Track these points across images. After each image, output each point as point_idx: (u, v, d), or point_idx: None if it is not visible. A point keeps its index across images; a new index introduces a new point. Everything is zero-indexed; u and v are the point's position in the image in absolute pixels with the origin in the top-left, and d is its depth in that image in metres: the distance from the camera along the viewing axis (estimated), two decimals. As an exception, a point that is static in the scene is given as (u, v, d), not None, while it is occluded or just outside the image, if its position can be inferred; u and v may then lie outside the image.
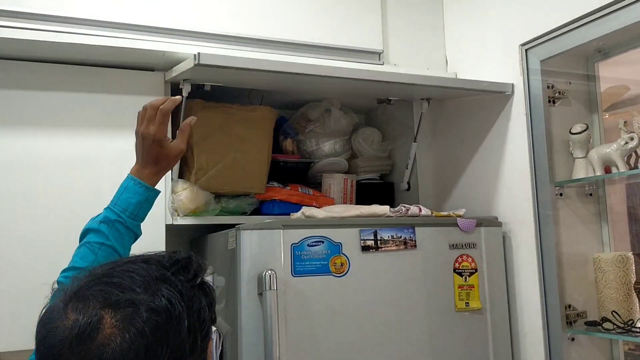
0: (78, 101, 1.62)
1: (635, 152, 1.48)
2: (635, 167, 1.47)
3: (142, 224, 1.27)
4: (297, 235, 1.45)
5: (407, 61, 2.01)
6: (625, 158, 1.50)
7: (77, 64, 1.65)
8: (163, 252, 0.88)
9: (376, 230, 1.53)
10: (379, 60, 1.96)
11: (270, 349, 1.33)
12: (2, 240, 1.48)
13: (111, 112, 1.64)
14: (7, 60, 1.56)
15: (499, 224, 1.70)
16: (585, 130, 1.61)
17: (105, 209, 1.25)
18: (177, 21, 1.69)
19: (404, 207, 1.63)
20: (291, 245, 1.44)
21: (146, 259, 0.83)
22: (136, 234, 1.26)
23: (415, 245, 1.56)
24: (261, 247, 1.43)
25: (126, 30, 1.64)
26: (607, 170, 1.55)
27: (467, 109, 1.95)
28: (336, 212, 1.57)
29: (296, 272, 1.44)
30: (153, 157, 1.26)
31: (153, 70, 1.73)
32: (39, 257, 1.50)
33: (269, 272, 1.38)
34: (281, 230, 1.44)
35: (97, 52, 1.58)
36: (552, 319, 1.59)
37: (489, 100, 1.83)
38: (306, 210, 1.57)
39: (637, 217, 1.74)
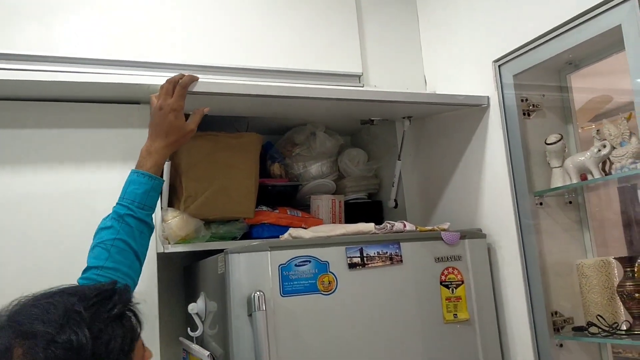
0: (67, 137, 1.67)
1: (609, 159, 1.53)
2: (609, 173, 1.51)
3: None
4: (284, 256, 1.49)
5: (386, 82, 2.08)
6: (600, 165, 1.54)
7: (64, 100, 1.70)
8: (99, 284, 0.95)
9: (362, 247, 1.56)
10: (359, 82, 2.02)
11: (263, 368, 1.36)
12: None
13: (100, 146, 1.69)
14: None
15: (483, 236, 1.74)
16: (559, 140, 1.66)
17: (114, 206, 1.30)
18: (161, 55, 1.75)
19: (389, 223, 1.67)
20: (279, 266, 1.48)
21: (74, 292, 0.90)
22: (149, 225, 1.30)
23: (401, 260, 1.60)
24: (249, 270, 1.46)
25: (111, 66, 1.71)
26: (583, 177, 1.59)
27: (446, 125, 2.00)
28: (322, 231, 1.61)
29: (285, 292, 1.47)
30: (166, 128, 1.34)
31: (139, 104, 1.79)
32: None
33: (258, 293, 1.41)
34: (268, 252, 1.48)
35: (83, 88, 1.63)
36: (539, 327, 1.62)
37: (466, 115, 1.88)
38: (293, 232, 1.61)
39: (618, 222, 1.78)
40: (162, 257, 1.70)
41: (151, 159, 1.33)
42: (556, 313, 1.66)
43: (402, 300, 1.58)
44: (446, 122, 2.01)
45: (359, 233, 1.61)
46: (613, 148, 1.50)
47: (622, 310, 1.56)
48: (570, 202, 1.76)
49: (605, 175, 1.54)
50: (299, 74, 1.95)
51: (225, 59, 1.85)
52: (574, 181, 1.59)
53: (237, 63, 1.85)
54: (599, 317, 1.55)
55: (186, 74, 1.40)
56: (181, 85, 1.36)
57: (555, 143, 1.66)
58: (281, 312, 1.46)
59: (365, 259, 1.56)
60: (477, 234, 1.73)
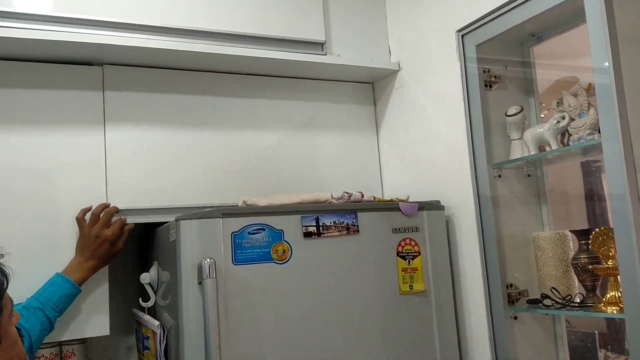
0: (17, 97, 1.61)
1: (567, 131, 1.52)
2: (568, 145, 1.51)
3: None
4: (238, 223, 1.45)
5: (350, 51, 2.03)
6: (559, 137, 1.53)
7: (15, 59, 1.64)
8: None
9: (318, 217, 1.53)
10: (322, 50, 1.97)
11: (210, 338, 1.32)
12: None
13: (51, 108, 1.65)
14: None
15: (442, 208, 1.73)
16: (520, 112, 1.65)
17: (28, 298, 1.47)
18: (118, 14, 1.69)
19: (347, 193, 1.64)
20: (231, 234, 1.44)
21: None
22: (52, 325, 1.49)
23: (357, 230, 1.58)
24: (201, 237, 1.42)
25: (62, 24, 1.63)
26: (542, 149, 1.58)
27: (410, 98, 1.97)
28: (278, 200, 1.57)
29: (237, 260, 1.43)
30: (100, 253, 1.57)
31: (91, 65, 1.73)
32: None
33: (208, 260, 1.37)
34: (221, 219, 1.43)
35: (33, 46, 1.57)
36: (494, 299, 1.62)
37: (428, 84, 1.86)
38: (248, 199, 1.57)
39: (576, 196, 1.78)
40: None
41: (80, 273, 1.55)
42: (511, 285, 1.66)
43: (357, 271, 1.56)
44: (409, 93, 1.98)
45: (316, 202, 1.58)
46: (572, 120, 1.49)
47: (577, 283, 1.57)
48: (529, 175, 1.75)
49: (563, 147, 1.53)
50: (261, 40, 1.90)
51: (185, 21, 1.78)
52: (532, 152, 1.58)
53: (195, 26, 1.79)
54: (553, 290, 1.55)
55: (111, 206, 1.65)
56: (108, 213, 1.63)
57: (515, 115, 1.65)
58: (233, 281, 1.42)
59: (321, 228, 1.53)
60: (435, 206, 1.72)
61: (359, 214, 1.59)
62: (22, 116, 1.64)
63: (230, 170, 1.88)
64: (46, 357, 1.74)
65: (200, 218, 1.42)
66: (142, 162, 1.77)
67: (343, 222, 1.56)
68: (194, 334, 1.36)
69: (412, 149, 1.95)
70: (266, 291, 1.45)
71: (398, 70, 2.04)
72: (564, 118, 1.51)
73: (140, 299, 1.67)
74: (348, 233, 1.56)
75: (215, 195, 1.84)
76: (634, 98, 1.28)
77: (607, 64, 1.28)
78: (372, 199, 1.65)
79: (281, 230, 1.49)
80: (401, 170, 2.02)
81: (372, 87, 2.19)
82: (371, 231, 1.60)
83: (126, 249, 1.73)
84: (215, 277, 1.37)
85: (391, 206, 1.64)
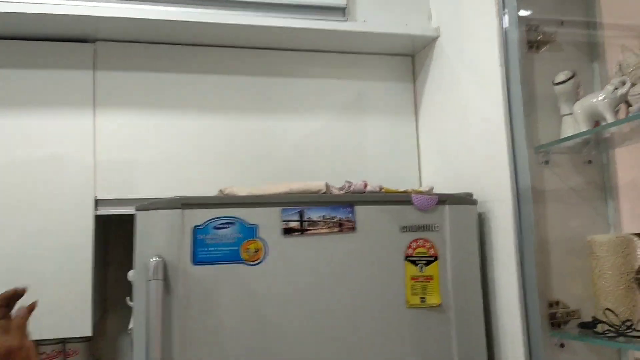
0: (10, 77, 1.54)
1: (627, 102, 1.12)
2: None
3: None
4: (202, 215, 1.23)
5: (379, 16, 1.73)
6: (619, 107, 1.14)
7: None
8: None
9: (303, 210, 1.27)
10: (343, 16, 1.69)
11: (151, 348, 1.11)
12: None
13: (45, 87, 1.55)
14: None
15: (473, 202, 1.39)
16: (570, 78, 1.27)
17: None
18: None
19: (348, 182, 1.35)
20: (193, 228, 1.22)
21: None
22: None
23: (354, 228, 1.29)
24: (158, 231, 1.21)
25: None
26: (598, 125, 1.20)
27: (448, 70, 1.63)
28: (263, 190, 1.32)
29: (198, 259, 1.21)
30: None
31: (86, 42, 1.60)
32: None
33: (155, 259, 1.16)
34: (180, 210, 1.22)
35: (18, 21, 1.48)
36: (532, 320, 1.26)
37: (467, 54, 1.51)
38: (226, 188, 1.34)
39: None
40: (113, 220, 1.53)
41: None
42: (557, 304, 1.28)
43: (351, 278, 1.28)
44: (445, 62, 1.64)
45: (306, 192, 1.31)
46: (633, 85, 1.09)
47: (642, 304, 1.17)
48: (590, 162, 1.36)
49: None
50: (272, 6, 1.66)
51: None
52: (583, 129, 1.20)
53: None
54: (606, 312, 1.16)
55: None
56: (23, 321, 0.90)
57: (564, 82, 1.27)
58: (192, 283, 1.20)
59: (305, 223, 1.26)
60: (463, 199, 1.38)
61: (357, 207, 1.30)
62: (6, 97, 1.54)
63: (238, 158, 1.67)
64: (48, 354, 1.65)
65: (157, 209, 1.22)
66: (137, 149, 1.61)
67: (335, 217, 1.28)
68: (141, 342, 1.16)
69: (450, 132, 1.61)
70: (232, 298, 1.22)
71: (437, 37, 1.70)
72: (623, 83, 1.12)
73: (127, 298, 1.51)
74: (341, 230, 1.28)
75: (217, 184, 1.63)
76: None
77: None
78: (378, 189, 1.35)
79: (255, 225, 1.24)
80: (440, 159, 1.68)
81: (412, 60, 1.87)
82: (372, 229, 1.30)
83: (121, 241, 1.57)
84: (163, 279, 1.15)
85: (401, 198, 1.33)
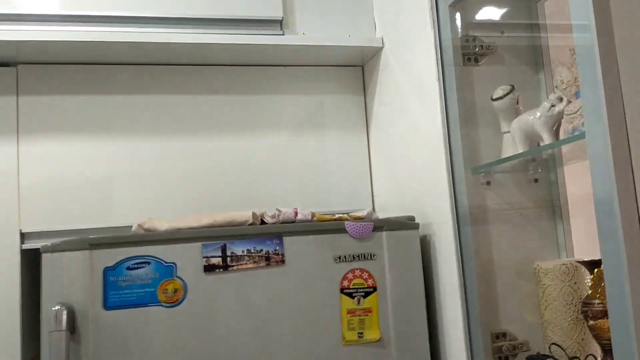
0: None
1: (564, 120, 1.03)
2: (571, 134, 1.02)
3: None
4: (112, 256, 1.13)
5: (322, 28, 1.64)
6: (555, 127, 1.05)
7: None
8: None
9: (225, 244, 1.17)
10: (280, 29, 1.60)
11: (54, 409, 1.02)
12: None
13: None
14: None
15: (414, 226, 1.29)
16: (508, 93, 1.18)
17: None
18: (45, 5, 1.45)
19: (278, 210, 1.26)
20: (104, 270, 1.12)
21: None
22: None
23: (283, 261, 1.20)
24: (65, 273, 1.12)
25: None
26: (538, 145, 1.11)
27: (393, 82, 1.54)
28: (184, 222, 1.23)
29: (110, 304, 1.11)
30: None
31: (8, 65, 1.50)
32: None
33: (57, 307, 1.06)
34: (88, 252, 1.12)
35: None
36: (476, 353, 1.17)
37: (394, 64, 1.42)
38: (145, 222, 1.24)
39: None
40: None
41: None
42: (504, 335, 1.19)
43: (281, 315, 1.18)
44: (390, 74, 1.55)
45: (231, 224, 1.22)
46: (569, 102, 1.00)
47: (591, 337, 1.08)
48: (537, 181, 1.27)
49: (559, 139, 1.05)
50: (205, 21, 1.57)
51: (129, 8, 1.51)
52: (520, 150, 1.11)
53: (143, 12, 1.51)
54: (551, 347, 1.07)
55: None
56: None
57: (502, 98, 1.18)
58: (104, 332, 1.10)
59: (229, 259, 1.17)
60: (402, 224, 1.28)
61: (285, 238, 1.20)
62: None
63: (175, 183, 1.58)
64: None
65: (62, 250, 1.12)
66: (64, 176, 1.51)
67: (261, 250, 1.19)
68: (46, 400, 1.06)
69: (396, 149, 1.52)
70: (150, 343, 1.12)
71: (382, 48, 1.61)
72: (561, 100, 1.03)
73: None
74: (268, 264, 1.19)
75: (152, 212, 1.54)
76: (630, 67, 0.79)
77: (587, 21, 0.80)
78: (310, 216, 1.26)
79: (173, 263, 1.15)
80: (389, 178, 1.59)
81: (362, 70, 1.78)
82: (303, 261, 1.21)
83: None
84: (66, 330, 1.05)
85: (333, 227, 1.24)
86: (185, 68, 1.63)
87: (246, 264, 1.17)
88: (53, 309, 1.06)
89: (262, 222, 1.27)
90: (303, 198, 1.65)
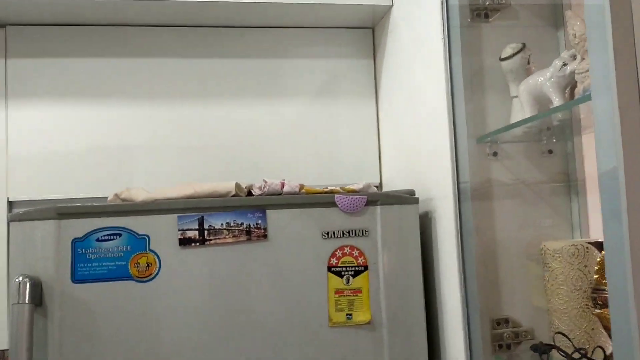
0: None
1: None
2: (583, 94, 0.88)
3: None
4: (82, 226, 1.06)
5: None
6: (567, 88, 0.92)
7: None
8: None
9: (203, 216, 1.09)
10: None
11: (14, 385, 0.96)
12: None
13: None
14: None
15: (414, 201, 1.18)
16: (518, 52, 1.04)
17: None
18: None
19: (265, 181, 1.17)
20: (72, 241, 1.05)
21: None
22: None
23: (265, 236, 1.11)
24: (32, 245, 1.05)
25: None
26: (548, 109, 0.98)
27: (400, 44, 1.42)
28: (165, 193, 1.15)
29: (78, 277, 1.05)
30: None
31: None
32: None
33: (21, 279, 1.00)
34: (56, 221, 1.05)
35: None
36: (474, 341, 1.06)
37: (415, 24, 1.30)
38: (122, 192, 1.17)
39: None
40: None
41: None
42: (507, 322, 1.08)
43: (262, 294, 1.10)
44: (398, 35, 1.43)
45: (212, 195, 1.13)
46: (582, 60, 0.87)
47: (601, 327, 0.96)
48: (551, 152, 1.14)
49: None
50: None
51: None
52: (528, 115, 0.98)
53: None
54: (557, 336, 0.96)
55: None
56: None
57: (511, 57, 1.04)
58: (71, 307, 1.04)
59: (206, 232, 1.09)
60: (399, 199, 1.17)
61: (268, 212, 1.11)
62: None
63: (170, 150, 1.51)
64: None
65: (30, 219, 1.06)
66: (54, 143, 1.46)
67: (242, 223, 1.10)
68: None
69: (402, 118, 1.41)
70: (120, 319, 1.05)
71: (391, 7, 1.48)
72: (574, 58, 0.89)
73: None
74: (249, 239, 1.10)
75: (146, 181, 1.47)
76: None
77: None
78: (297, 189, 1.16)
79: (146, 235, 1.07)
80: (396, 149, 1.48)
81: (372, 33, 1.65)
82: (288, 236, 1.11)
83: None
84: (29, 303, 0.99)
85: (322, 200, 1.14)
86: (188, 30, 1.54)
87: (225, 238, 1.09)
88: (16, 280, 0.99)
89: (250, 195, 1.18)
90: (311, 169, 1.56)
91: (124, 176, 1.47)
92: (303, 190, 1.16)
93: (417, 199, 1.19)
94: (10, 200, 1.43)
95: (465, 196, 1.08)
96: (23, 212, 1.06)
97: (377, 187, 1.48)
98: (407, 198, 1.18)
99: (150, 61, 1.52)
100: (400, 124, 1.42)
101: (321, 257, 1.12)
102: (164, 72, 1.53)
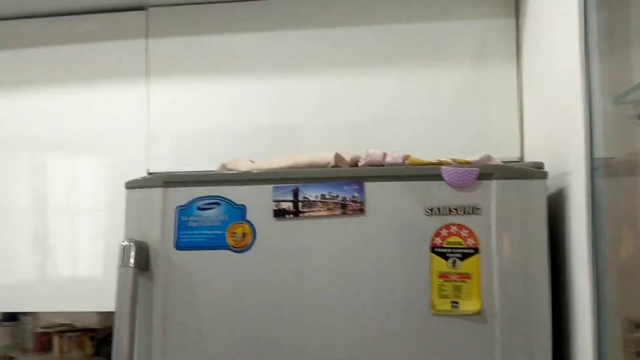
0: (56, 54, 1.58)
1: None
2: None
3: None
4: (185, 195, 1.09)
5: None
6: None
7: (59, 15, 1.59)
8: None
9: (297, 188, 1.05)
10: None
11: (118, 343, 1.02)
12: None
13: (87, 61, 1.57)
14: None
15: (540, 176, 1.01)
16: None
17: None
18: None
19: (371, 152, 1.09)
20: (177, 208, 1.09)
21: None
22: None
23: (362, 210, 1.03)
24: (140, 211, 1.11)
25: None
26: None
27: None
28: (267, 164, 1.13)
29: (181, 244, 1.08)
30: None
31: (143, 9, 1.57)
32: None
33: (126, 243, 1.05)
34: (162, 189, 1.09)
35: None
36: (604, 345, 0.88)
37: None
38: (229, 162, 1.17)
39: None
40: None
41: None
42: (650, 326, 0.87)
43: (357, 273, 1.02)
44: None
45: (311, 166, 1.09)
46: None
47: None
48: None
49: None
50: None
51: None
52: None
53: None
54: None
55: None
56: None
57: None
58: (175, 271, 1.07)
59: (300, 204, 1.04)
60: (521, 172, 1.01)
61: (367, 184, 1.03)
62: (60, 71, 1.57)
63: (317, 125, 1.49)
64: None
65: (140, 187, 1.11)
66: (193, 118, 1.53)
67: (337, 196, 1.04)
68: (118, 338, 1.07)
69: (541, 82, 1.22)
70: (218, 289, 1.06)
71: (533, -47, 1.29)
72: None
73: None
74: (345, 213, 1.03)
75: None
76: None
77: None
78: (400, 159, 1.06)
79: (242, 205, 1.06)
80: (537, 119, 1.29)
81: (514, -13, 1.46)
82: (386, 211, 1.02)
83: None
84: (133, 266, 1.04)
85: (427, 173, 1.03)
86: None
87: (319, 210, 1.03)
88: (122, 243, 1.05)
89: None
90: (446, 143, 1.44)
91: (260, 151, 1.48)
92: (407, 161, 1.05)
93: (545, 172, 1.01)
94: (150, 172, 1.52)
95: (600, 169, 0.88)
96: (135, 180, 1.12)
97: (516, 162, 1.31)
98: (530, 172, 1.01)
99: (292, 34, 1.50)
100: (539, 89, 1.22)
101: (424, 236, 1.01)
102: (307, 44, 1.50)
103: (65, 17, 1.58)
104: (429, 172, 1.02)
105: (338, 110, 1.46)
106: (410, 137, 1.44)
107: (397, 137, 1.44)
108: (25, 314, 1.82)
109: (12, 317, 1.82)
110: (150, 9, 1.56)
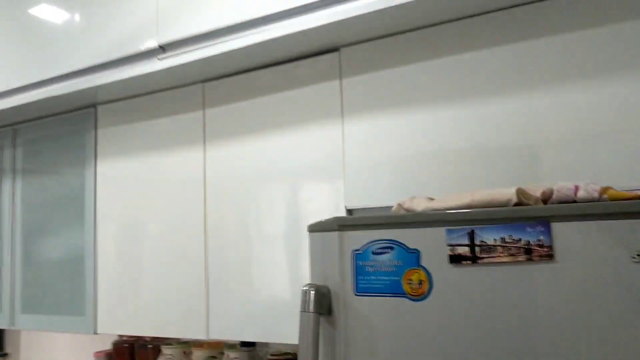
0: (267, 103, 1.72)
1: None
2: None
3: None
4: (360, 238, 1.07)
5: None
6: None
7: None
8: None
9: (473, 230, 0.95)
10: None
11: (300, 388, 1.04)
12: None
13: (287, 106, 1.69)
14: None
15: None
16: None
17: None
18: None
19: (560, 185, 0.94)
20: (352, 253, 1.08)
21: None
22: None
23: (550, 255, 0.89)
24: (319, 254, 1.13)
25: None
26: None
27: None
28: (443, 202, 1.06)
29: (360, 289, 1.07)
30: None
31: (337, 50, 1.62)
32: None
33: (307, 287, 1.08)
34: (336, 233, 1.10)
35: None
36: None
37: None
38: (405, 201, 1.12)
39: None
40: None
41: None
42: None
43: (548, 332, 0.88)
44: None
45: (489, 205, 0.98)
46: None
47: None
48: None
49: None
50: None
51: None
52: None
53: None
54: None
55: None
56: None
57: None
58: (353, 317, 1.06)
59: (477, 249, 0.95)
60: None
61: (554, 224, 0.89)
62: (261, 121, 1.70)
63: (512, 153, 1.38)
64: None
65: (316, 231, 1.13)
66: (385, 152, 1.53)
67: (519, 239, 0.91)
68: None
69: None
70: (398, 338, 1.02)
71: None
72: None
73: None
74: (530, 259, 0.90)
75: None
76: None
77: None
78: (596, 193, 0.89)
79: (416, 250, 1.01)
80: None
81: None
82: (582, 257, 0.86)
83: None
84: (313, 311, 1.06)
85: (632, 209, 0.84)
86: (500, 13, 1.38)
87: (499, 256, 0.92)
88: (303, 288, 1.07)
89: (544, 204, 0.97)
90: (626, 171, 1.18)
91: (454, 180, 1.40)
92: (605, 196, 0.88)
93: None
94: (348, 208, 1.55)
95: None
96: (315, 224, 1.14)
97: None
98: None
99: (461, 58, 1.42)
100: None
101: (634, 287, 0.82)
102: (476, 67, 1.40)
103: (269, 69, 1.71)
104: (634, 209, 0.83)
105: (486, 134, 1.30)
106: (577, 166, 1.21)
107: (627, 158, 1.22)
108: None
109: (249, 343, 1.99)
110: (342, 49, 1.59)
